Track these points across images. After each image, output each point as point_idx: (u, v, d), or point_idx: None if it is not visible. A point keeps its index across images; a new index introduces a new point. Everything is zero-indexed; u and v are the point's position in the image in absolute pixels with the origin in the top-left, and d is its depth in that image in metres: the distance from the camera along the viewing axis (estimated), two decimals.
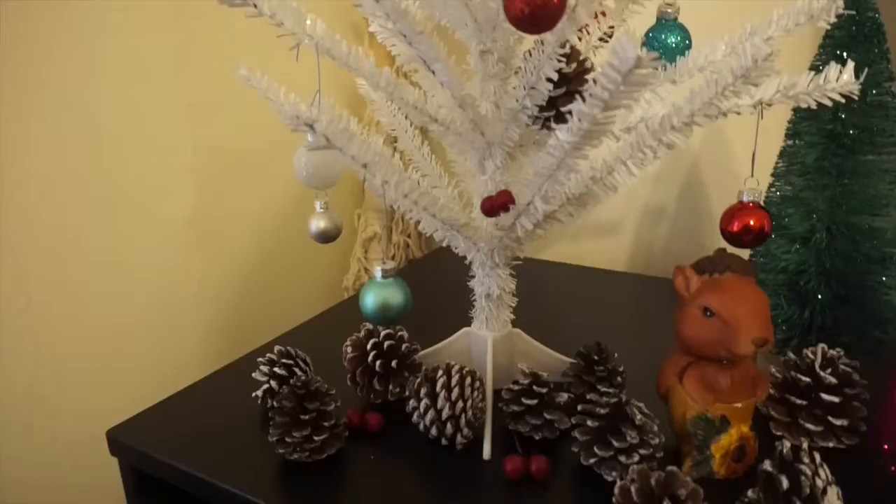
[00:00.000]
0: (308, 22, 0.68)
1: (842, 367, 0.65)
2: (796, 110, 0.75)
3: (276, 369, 0.74)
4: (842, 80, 0.57)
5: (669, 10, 0.63)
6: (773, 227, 0.75)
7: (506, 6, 0.49)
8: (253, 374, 0.75)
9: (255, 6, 0.57)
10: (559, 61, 0.58)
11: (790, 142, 0.75)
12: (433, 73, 0.61)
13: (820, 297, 0.72)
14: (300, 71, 0.62)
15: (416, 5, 0.67)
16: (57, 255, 0.92)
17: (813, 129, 0.72)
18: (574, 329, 0.97)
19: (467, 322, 0.79)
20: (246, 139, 1.16)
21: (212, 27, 1.06)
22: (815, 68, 0.73)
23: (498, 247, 0.72)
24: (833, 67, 0.56)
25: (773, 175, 0.77)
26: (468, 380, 0.67)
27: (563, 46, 0.56)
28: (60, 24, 0.88)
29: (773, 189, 0.77)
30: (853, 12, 0.65)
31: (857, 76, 0.57)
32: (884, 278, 0.70)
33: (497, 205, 0.66)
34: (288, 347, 0.77)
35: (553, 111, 0.62)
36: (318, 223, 0.77)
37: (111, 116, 0.95)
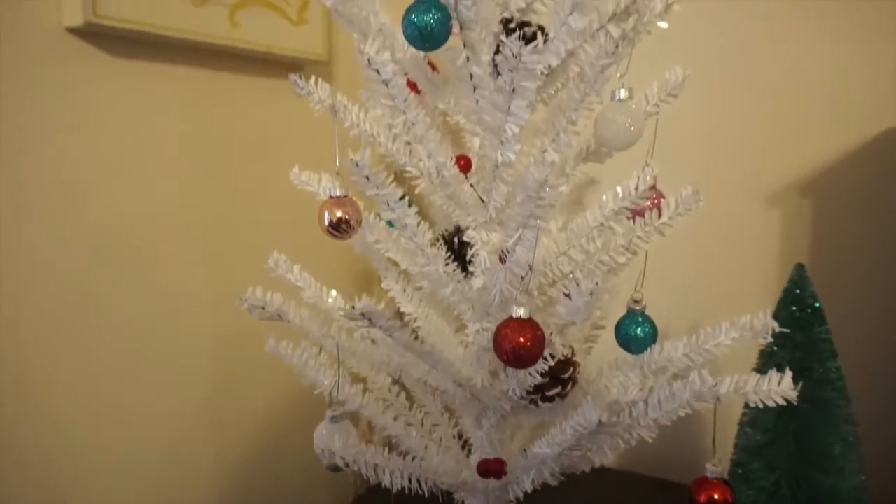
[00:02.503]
0: (330, 299, 0.80)
1: None
2: (756, 370, 0.85)
3: None
4: (783, 384, 0.67)
5: (637, 307, 0.74)
6: (743, 476, 0.84)
7: (496, 348, 0.60)
8: None
9: (280, 316, 0.68)
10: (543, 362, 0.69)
11: None
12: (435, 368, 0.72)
13: None
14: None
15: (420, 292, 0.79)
16: (71, 443, 0.98)
17: None
18: None
19: None
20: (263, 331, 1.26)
21: (239, 229, 1.20)
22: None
23: (492, 497, 0.80)
24: (774, 375, 0.66)
25: (739, 424, 0.86)
26: None
27: (545, 359, 0.67)
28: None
29: (741, 436, 0.85)
30: (787, 329, 0.77)
31: (795, 383, 0.67)
32: None
33: (491, 470, 0.75)
34: None
35: (539, 394, 0.72)
36: None
37: (135, 303, 1.05)
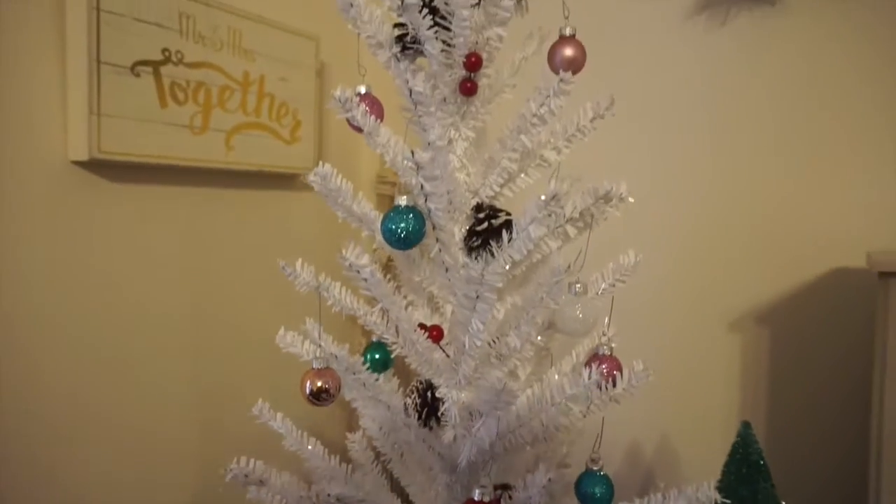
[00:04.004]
0: (310, 446, 0.85)
1: None
2: None
3: None
4: None
5: (595, 467, 0.80)
6: None
7: None
8: None
9: (262, 482, 0.73)
10: None
11: None
12: None
13: None
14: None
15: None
16: None
17: None
18: None
19: None
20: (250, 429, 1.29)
21: (234, 340, 1.26)
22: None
23: None
24: None
25: None
26: None
27: None
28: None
29: None
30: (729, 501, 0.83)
31: None
32: None
33: None
34: None
35: None
36: None
37: (127, 411, 1.09)
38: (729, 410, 1.20)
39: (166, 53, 1.12)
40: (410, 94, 0.63)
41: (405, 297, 0.84)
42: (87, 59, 1.01)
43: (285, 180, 1.40)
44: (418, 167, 0.61)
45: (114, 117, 1.04)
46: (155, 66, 1.10)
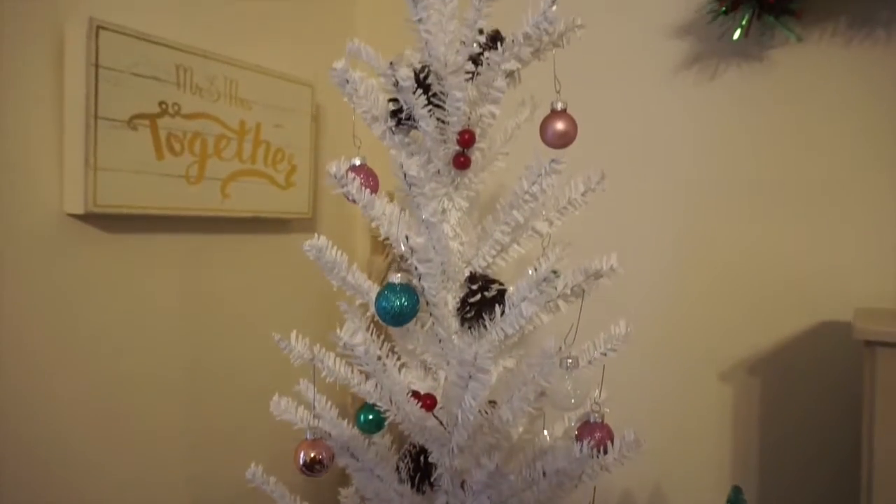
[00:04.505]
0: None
1: None
2: None
3: None
4: None
5: None
6: None
7: None
8: None
9: None
10: None
11: None
12: None
13: None
14: None
15: None
16: None
17: None
18: None
19: None
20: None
21: (228, 379, 1.26)
22: None
23: None
24: None
25: None
26: None
27: None
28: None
29: None
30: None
31: None
32: None
33: None
34: None
35: None
36: None
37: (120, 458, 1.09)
38: (721, 459, 1.21)
39: (163, 106, 1.13)
40: (405, 177, 0.65)
41: (398, 357, 0.84)
42: (84, 115, 1.01)
43: (281, 224, 1.41)
44: (413, 251, 0.62)
45: (110, 171, 1.05)
46: (152, 118, 1.11)
